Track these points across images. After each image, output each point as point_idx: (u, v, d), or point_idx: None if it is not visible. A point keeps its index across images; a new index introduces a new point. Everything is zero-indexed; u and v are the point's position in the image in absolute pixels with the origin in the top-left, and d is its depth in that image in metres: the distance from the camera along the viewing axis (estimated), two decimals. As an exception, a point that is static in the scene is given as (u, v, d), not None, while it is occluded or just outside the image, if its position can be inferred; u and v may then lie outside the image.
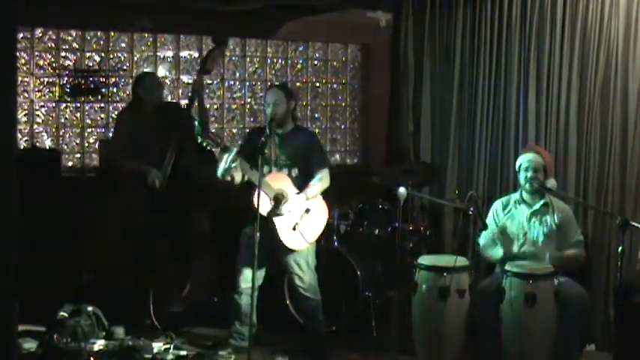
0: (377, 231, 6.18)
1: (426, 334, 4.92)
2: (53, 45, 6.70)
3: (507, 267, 4.79)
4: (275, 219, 5.04)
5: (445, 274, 4.82)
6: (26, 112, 6.63)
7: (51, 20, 6.52)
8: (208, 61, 5.83)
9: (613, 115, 5.53)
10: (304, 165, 5.19)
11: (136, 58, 6.93)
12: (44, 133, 6.75)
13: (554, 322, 4.70)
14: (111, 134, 6.53)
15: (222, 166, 4.86)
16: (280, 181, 5.10)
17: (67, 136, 6.83)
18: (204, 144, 4.86)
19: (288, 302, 5.79)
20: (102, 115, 6.90)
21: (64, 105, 6.78)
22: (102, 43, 6.83)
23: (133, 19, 6.55)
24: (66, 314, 5.22)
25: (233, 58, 7.30)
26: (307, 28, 7.30)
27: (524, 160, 5.09)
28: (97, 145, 6.83)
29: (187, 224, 5.67)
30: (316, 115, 7.77)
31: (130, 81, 6.78)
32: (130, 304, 5.64)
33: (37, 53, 6.65)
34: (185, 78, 7.10)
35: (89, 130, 6.88)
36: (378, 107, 7.52)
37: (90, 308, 5.31)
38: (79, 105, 6.82)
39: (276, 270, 5.40)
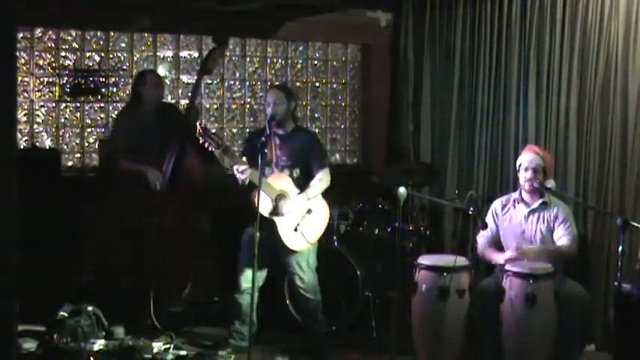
0: (377, 231, 6.18)
1: (426, 334, 4.92)
2: (53, 45, 6.70)
3: (507, 267, 4.79)
4: (277, 219, 5.05)
5: (445, 274, 4.82)
6: (26, 111, 6.62)
7: (51, 20, 6.52)
8: (209, 61, 5.83)
9: (613, 115, 5.53)
10: (305, 165, 5.20)
11: (135, 58, 6.93)
12: (44, 133, 6.74)
13: (554, 322, 4.70)
14: (110, 134, 6.51)
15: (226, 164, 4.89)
16: (282, 181, 5.11)
17: (67, 135, 6.82)
18: (206, 144, 4.87)
19: (288, 302, 5.79)
20: (102, 115, 6.90)
21: (63, 105, 6.78)
22: (102, 43, 6.83)
23: (132, 19, 6.55)
24: (66, 314, 5.22)
25: (233, 58, 7.30)
26: (307, 28, 7.29)
27: (523, 160, 5.09)
28: (96, 145, 6.83)
29: (187, 224, 5.67)
30: (316, 115, 7.77)
31: (130, 81, 6.78)
32: (130, 304, 5.63)
33: (36, 53, 6.64)
34: (185, 78, 7.09)
35: (89, 129, 6.88)
36: (378, 107, 7.52)
37: (90, 308, 5.31)
38: (78, 105, 6.82)
39: (277, 270, 5.40)
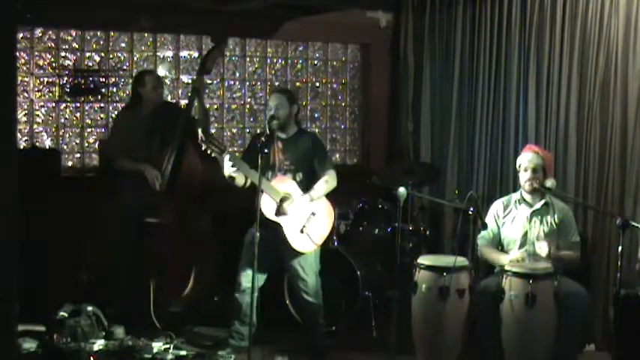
0: (377, 231, 6.18)
1: (426, 334, 4.92)
2: (53, 45, 6.69)
3: (507, 267, 4.79)
4: (282, 222, 5.05)
5: (445, 274, 4.83)
6: (26, 111, 6.62)
7: (51, 20, 6.51)
8: (208, 61, 5.83)
9: (613, 115, 5.53)
10: (308, 169, 5.21)
11: (135, 58, 6.92)
12: (44, 133, 6.73)
13: (554, 322, 4.70)
14: (109, 133, 6.51)
15: (225, 172, 4.88)
16: (286, 184, 5.11)
17: (67, 136, 6.81)
18: (209, 151, 4.87)
19: (288, 302, 5.80)
20: (102, 115, 6.89)
21: (63, 105, 6.77)
22: (102, 43, 6.82)
23: (132, 19, 6.54)
24: (66, 314, 5.22)
25: (233, 58, 7.30)
26: (307, 28, 7.29)
27: (523, 160, 5.09)
28: (96, 145, 6.82)
29: (187, 224, 5.66)
30: (316, 115, 7.77)
31: (130, 81, 6.77)
32: (130, 304, 5.64)
33: (36, 53, 6.64)
34: (185, 78, 7.09)
35: (89, 129, 6.87)
36: (377, 107, 7.52)
37: (90, 308, 5.31)
38: (78, 105, 6.81)
39: (277, 270, 5.40)
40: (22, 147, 6.46)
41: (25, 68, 6.56)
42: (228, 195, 5.90)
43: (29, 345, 5.09)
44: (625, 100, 5.48)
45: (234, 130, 7.43)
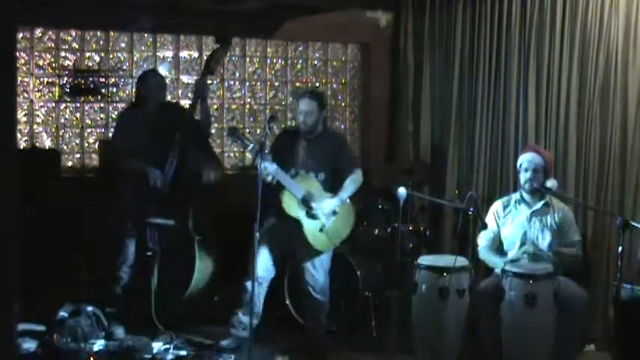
0: (377, 231, 6.18)
1: (426, 334, 4.92)
2: (53, 45, 6.69)
3: (507, 267, 4.79)
4: (304, 220, 5.09)
5: (445, 274, 4.82)
6: (26, 112, 6.62)
7: (51, 20, 6.51)
8: (212, 61, 5.83)
9: (613, 114, 5.53)
10: (331, 169, 5.25)
11: (135, 58, 6.92)
12: (44, 134, 6.74)
13: (554, 322, 4.70)
14: (111, 134, 6.51)
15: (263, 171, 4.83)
16: (308, 182, 5.14)
17: (67, 136, 6.82)
18: (234, 145, 4.90)
19: (288, 302, 5.80)
20: (102, 115, 6.89)
21: (63, 105, 6.77)
22: (101, 43, 6.82)
23: (132, 19, 6.54)
24: (66, 314, 5.22)
25: (233, 58, 7.30)
26: (307, 28, 7.29)
27: (524, 160, 5.09)
28: (96, 145, 6.82)
29: (189, 224, 5.66)
30: (316, 115, 7.77)
31: (130, 81, 6.77)
32: (130, 304, 5.64)
33: (36, 53, 6.64)
34: (185, 78, 7.09)
35: (89, 130, 6.87)
36: (377, 107, 7.51)
37: (90, 308, 5.31)
38: (78, 105, 6.81)
39: (284, 266, 5.42)
40: (22, 147, 6.46)
41: (25, 68, 6.56)
42: (229, 195, 5.91)
43: (29, 345, 5.09)
44: (625, 99, 5.48)
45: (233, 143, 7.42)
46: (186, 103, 6.60)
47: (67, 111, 6.81)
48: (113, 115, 6.78)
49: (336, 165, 5.27)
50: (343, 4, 7.14)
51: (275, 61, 7.49)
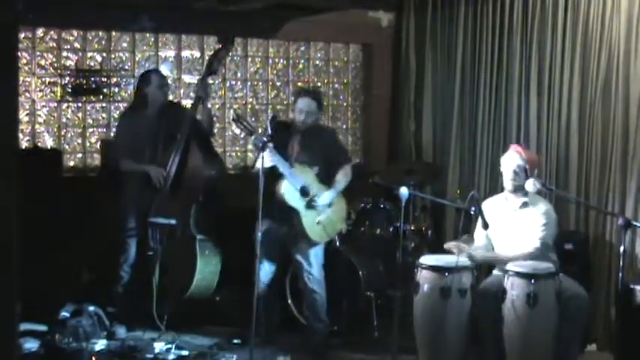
0: (378, 231, 6.18)
1: (428, 333, 4.92)
2: (55, 45, 6.69)
3: (509, 267, 4.79)
4: (302, 211, 5.15)
5: (447, 274, 4.82)
6: (28, 112, 6.62)
7: (52, 20, 6.51)
8: (214, 61, 5.83)
9: (614, 115, 5.53)
10: (324, 163, 5.31)
11: (137, 58, 6.92)
12: (46, 133, 6.74)
13: (556, 322, 4.69)
14: (113, 134, 6.51)
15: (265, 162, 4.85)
16: (305, 174, 5.20)
17: (69, 136, 6.82)
18: (239, 131, 4.95)
19: (289, 302, 5.80)
20: (103, 115, 6.89)
21: (65, 105, 6.77)
22: (103, 42, 6.82)
23: (134, 19, 6.55)
24: (67, 314, 5.22)
25: (234, 58, 7.30)
26: (309, 28, 7.29)
27: (504, 160, 5.11)
28: (98, 145, 6.82)
29: (190, 224, 5.67)
30: (318, 115, 7.77)
31: (132, 81, 6.77)
32: (131, 304, 5.64)
33: (38, 53, 6.64)
34: (187, 78, 7.09)
35: (91, 130, 6.87)
36: (379, 107, 7.52)
37: (91, 308, 5.32)
38: (80, 105, 6.81)
39: (279, 269, 5.41)
40: (23, 147, 6.46)
41: (26, 68, 6.56)
42: (230, 195, 5.91)
43: (31, 345, 5.10)
44: (627, 100, 5.47)
45: (236, 131, 7.43)
46: (188, 103, 6.60)
47: (69, 111, 6.81)
48: (115, 115, 6.78)
49: (328, 158, 5.31)
50: (345, 5, 7.14)
51: (277, 61, 7.50)
